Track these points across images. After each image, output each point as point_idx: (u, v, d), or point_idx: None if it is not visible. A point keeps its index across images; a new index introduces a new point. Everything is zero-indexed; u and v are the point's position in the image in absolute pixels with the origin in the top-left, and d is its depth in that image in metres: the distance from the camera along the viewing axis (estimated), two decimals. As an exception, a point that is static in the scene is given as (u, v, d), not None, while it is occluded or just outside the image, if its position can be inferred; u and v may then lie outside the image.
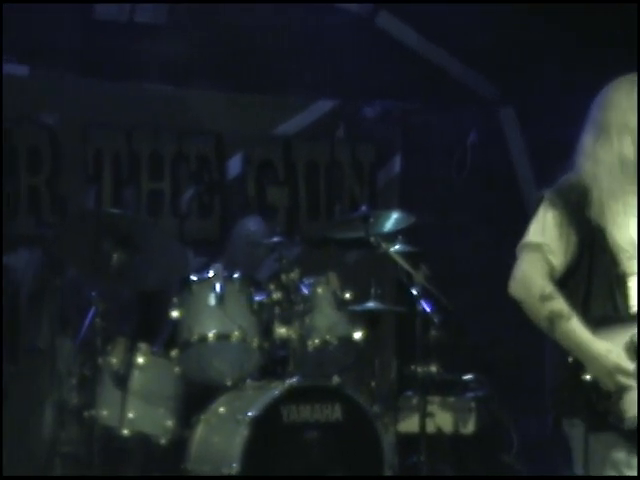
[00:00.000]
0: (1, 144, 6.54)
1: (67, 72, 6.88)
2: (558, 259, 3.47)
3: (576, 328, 3.37)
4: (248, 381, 5.40)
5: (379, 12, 7.12)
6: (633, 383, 3.29)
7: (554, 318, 3.39)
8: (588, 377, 3.33)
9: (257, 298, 5.53)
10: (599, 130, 3.54)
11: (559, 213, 3.49)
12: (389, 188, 7.61)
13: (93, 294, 5.27)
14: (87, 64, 6.88)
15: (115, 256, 5.22)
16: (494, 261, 6.67)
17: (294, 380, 5.21)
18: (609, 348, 3.33)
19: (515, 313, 3.58)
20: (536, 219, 3.54)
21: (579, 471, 3.40)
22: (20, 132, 6.77)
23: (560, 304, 3.40)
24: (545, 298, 3.41)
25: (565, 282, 3.47)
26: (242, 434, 4.98)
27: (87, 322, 5.46)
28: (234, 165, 7.26)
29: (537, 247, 3.48)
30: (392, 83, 7.33)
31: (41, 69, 6.84)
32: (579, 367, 3.35)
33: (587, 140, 3.57)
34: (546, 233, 3.49)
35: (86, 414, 5.22)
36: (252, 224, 6.49)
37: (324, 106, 7.44)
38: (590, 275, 3.46)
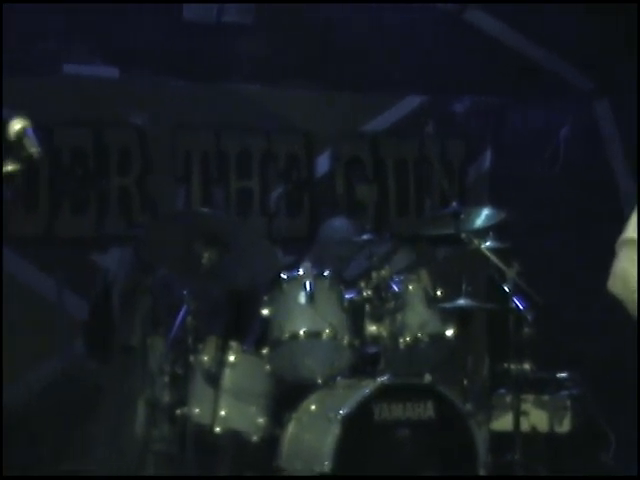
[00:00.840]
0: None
1: (156, 73, 6.95)
2: (659, 254, 3.39)
3: None
4: (339, 379, 5.38)
5: (469, 6, 7.03)
6: None
7: (654, 312, 3.33)
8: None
9: (347, 296, 5.50)
10: None
11: (660, 208, 3.42)
12: (479, 184, 7.53)
13: (184, 293, 5.29)
14: (176, 65, 6.94)
15: (205, 255, 5.22)
16: (588, 258, 6.58)
17: (385, 378, 5.17)
18: None
19: (610, 310, 3.51)
20: (635, 214, 3.47)
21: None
22: (110, 133, 6.85)
23: None
24: (644, 293, 3.34)
25: None
26: (334, 432, 4.94)
27: (178, 321, 5.49)
28: (323, 163, 7.25)
29: (636, 243, 3.41)
30: (482, 77, 7.25)
31: (130, 71, 6.92)
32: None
33: None
34: (646, 228, 3.42)
35: (178, 412, 5.24)
36: (338, 224, 6.47)
37: (413, 102, 7.41)
38: None
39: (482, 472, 5.07)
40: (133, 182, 6.88)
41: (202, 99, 6.96)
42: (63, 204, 6.76)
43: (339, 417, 4.96)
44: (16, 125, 3.34)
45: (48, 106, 6.60)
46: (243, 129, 7.07)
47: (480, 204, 6.37)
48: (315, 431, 5.14)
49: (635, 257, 3.41)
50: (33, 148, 3.30)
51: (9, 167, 3.26)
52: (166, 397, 5.44)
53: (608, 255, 3.52)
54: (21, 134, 3.32)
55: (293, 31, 6.96)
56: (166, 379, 5.47)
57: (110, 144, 6.85)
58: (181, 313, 5.40)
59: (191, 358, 5.29)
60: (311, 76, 7.12)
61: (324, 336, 5.35)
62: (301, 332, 5.36)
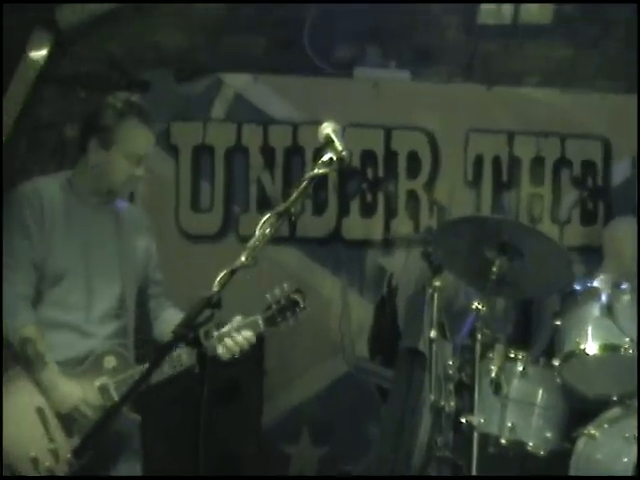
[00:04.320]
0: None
1: (449, 76, 6.89)
2: None
3: None
4: (636, 397, 5.12)
5: None
6: None
7: None
8: None
9: (650, 309, 5.23)
10: None
11: None
12: None
13: (474, 299, 5.18)
14: (469, 67, 6.86)
15: (496, 262, 5.11)
16: None
17: (693, 400, 4.88)
18: None
19: None
20: None
21: None
22: (400, 136, 6.84)
23: None
24: None
25: None
26: (630, 454, 4.71)
27: (467, 327, 5.40)
28: (622, 170, 6.94)
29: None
30: None
31: (423, 73, 6.88)
32: None
33: None
34: None
35: (463, 420, 5.14)
36: (622, 225, 6.20)
37: None
38: None
39: None
40: (422, 186, 6.84)
41: (496, 102, 6.81)
42: (351, 206, 6.81)
43: (637, 438, 4.72)
44: (326, 128, 3.34)
45: (339, 108, 6.67)
46: (537, 134, 6.87)
47: None
48: (609, 450, 4.91)
49: None
50: (343, 151, 3.29)
51: (319, 170, 3.26)
52: (451, 404, 5.37)
53: None
54: (332, 137, 3.32)
55: (594, 30, 6.72)
56: (452, 386, 5.40)
57: (400, 147, 6.83)
58: (470, 319, 5.31)
59: (478, 366, 5.18)
60: (613, 78, 6.84)
61: (622, 351, 5.09)
62: (597, 345, 5.13)
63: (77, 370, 4.13)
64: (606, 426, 5.05)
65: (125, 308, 4.28)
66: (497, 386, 5.22)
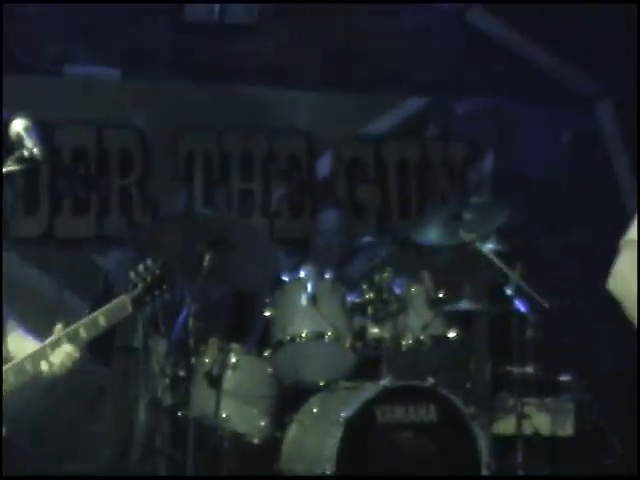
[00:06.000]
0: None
1: (158, 74, 6.92)
2: (660, 258, 3.37)
3: None
4: (341, 381, 5.37)
5: (470, 7, 7.01)
6: None
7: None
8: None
9: (350, 298, 5.49)
10: None
11: (664, 211, 3.39)
12: (481, 186, 7.50)
13: (186, 294, 5.26)
14: (178, 66, 6.91)
15: (207, 257, 5.21)
16: (590, 261, 6.57)
17: (388, 380, 5.16)
18: None
19: (612, 312, 3.50)
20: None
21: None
22: (111, 134, 6.83)
23: None
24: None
25: None
26: (336, 435, 4.93)
27: (180, 322, 5.46)
28: (324, 164, 7.23)
29: (637, 245, 3.40)
30: (483, 79, 7.22)
31: (132, 72, 6.89)
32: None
33: None
34: (648, 231, 3.40)
35: (180, 414, 5.23)
36: (327, 217, 6.47)
37: (414, 104, 7.37)
38: None
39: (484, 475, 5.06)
40: (134, 183, 6.85)
41: (204, 100, 6.92)
42: (63, 205, 6.74)
43: (341, 420, 4.96)
44: (17, 125, 3.31)
45: (49, 106, 6.58)
46: (245, 130, 7.04)
47: (482, 206, 6.36)
48: (317, 433, 5.13)
49: (635, 259, 3.40)
50: (34, 148, 3.27)
51: (10, 167, 3.23)
52: (168, 399, 5.42)
53: (611, 256, 3.51)
54: (22, 134, 3.29)
55: (295, 32, 6.93)
56: (168, 381, 5.44)
57: (111, 145, 6.83)
58: (182, 315, 5.38)
59: (193, 360, 5.28)
60: (313, 77, 7.08)
61: (326, 338, 5.35)
62: (303, 334, 5.36)
63: None
64: (314, 411, 5.27)
65: None
66: (211, 378, 5.31)
